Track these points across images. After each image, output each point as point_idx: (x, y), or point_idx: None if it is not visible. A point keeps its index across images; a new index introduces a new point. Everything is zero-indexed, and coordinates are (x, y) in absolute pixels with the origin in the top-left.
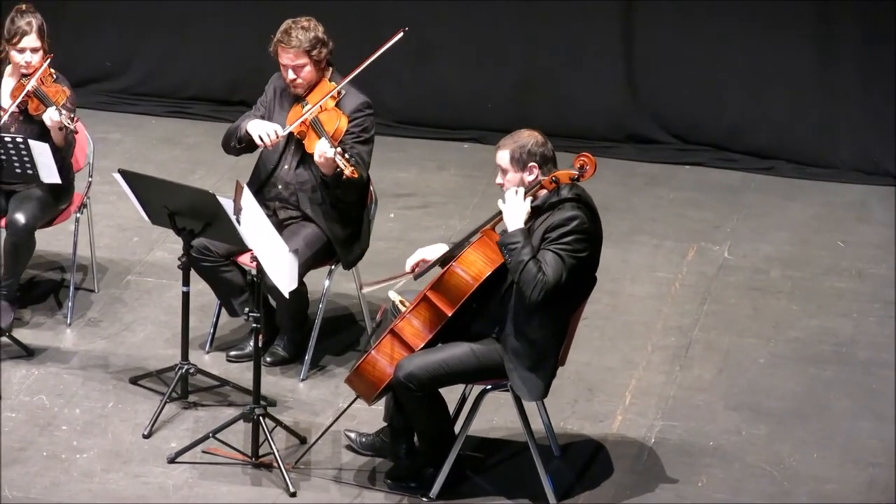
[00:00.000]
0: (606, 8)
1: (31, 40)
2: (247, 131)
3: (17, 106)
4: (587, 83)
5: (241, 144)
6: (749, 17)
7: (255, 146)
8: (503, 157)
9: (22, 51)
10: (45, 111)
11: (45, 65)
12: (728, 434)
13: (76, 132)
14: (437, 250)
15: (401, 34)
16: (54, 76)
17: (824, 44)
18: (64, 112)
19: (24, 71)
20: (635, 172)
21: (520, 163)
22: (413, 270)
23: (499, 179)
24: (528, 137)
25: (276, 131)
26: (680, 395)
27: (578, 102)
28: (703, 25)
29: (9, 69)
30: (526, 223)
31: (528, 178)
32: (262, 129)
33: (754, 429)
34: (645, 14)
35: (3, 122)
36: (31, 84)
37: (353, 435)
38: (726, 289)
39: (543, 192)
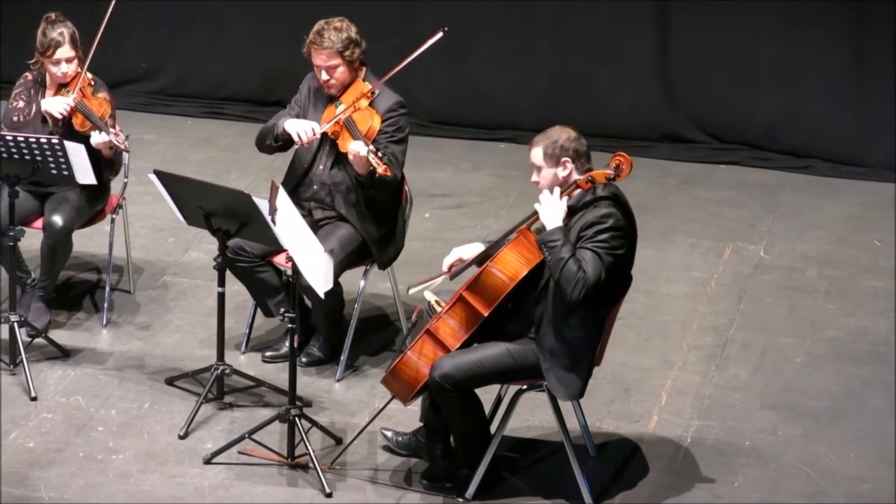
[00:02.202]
0: (641, 6)
1: (65, 51)
2: (284, 129)
3: (63, 119)
4: (622, 82)
5: (277, 143)
6: (784, 16)
7: (291, 145)
8: (537, 154)
9: (57, 62)
10: (90, 127)
11: (84, 73)
12: (764, 434)
13: (128, 150)
14: (473, 249)
15: (440, 34)
16: (93, 84)
17: (859, 42)
18: (112, 131)
19: (61, 82)
20: (671, 172)
21: (553, 158)
22: (450, 270)
23: (534, 177)
24: (561, 133)
25: (313, 129)
26: (716, 394)
27: (613, 101)
28: (739, 24)
29: (48, 80)
30: (563, 222)
31: (563, 173)
32: (299, 127)
33: (790, 428)
34: (680, 12)
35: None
36: (75, 100)
37: (389, 434)
38: (762, 288)
39: (579, 191)
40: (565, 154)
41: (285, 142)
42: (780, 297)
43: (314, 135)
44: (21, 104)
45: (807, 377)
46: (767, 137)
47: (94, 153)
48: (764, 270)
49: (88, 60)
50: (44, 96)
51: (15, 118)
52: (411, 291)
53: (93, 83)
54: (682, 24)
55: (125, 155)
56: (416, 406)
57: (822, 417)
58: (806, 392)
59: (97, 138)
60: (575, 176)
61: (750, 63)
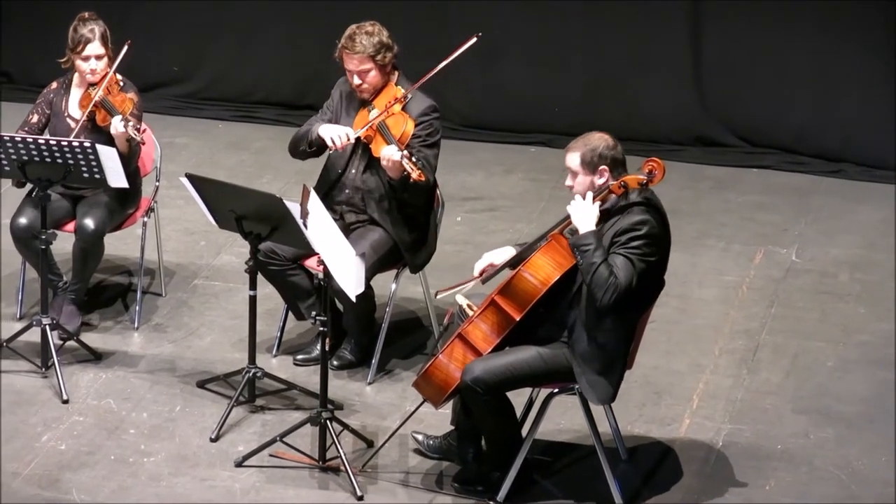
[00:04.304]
0: (674, 10)
1: (95, 48)
2: (318, 135)
3: (87, 116)
4: (654, 86)
5: (311, 149)
6: (817, 20)
7: (324, 150)
8: (573, 159)
9: (86, 59)
10: (111, 122)
11: (112, 72)
12: (796, 437)
13: (142, 143)
14: (504, 254)
15: (474, 39)
16: (121, 84)
17: (893, 46)
18: (130, 122)
19: (90, 79)
20: (703, 176)
21: (591, 166)
22: (481, 275)
23: (568, 182)
24: (599, 140)
25: (347, 134)
26: (747, 398)
27: (646, 105)
28: (772, 28)
29: (76, 78)
30: (595, 226)
31: (599, 181)
32: (333, 133)
33: (822, 432)
34: (712, 16)
35: (74, 132)
36: (98, 94)
37: (420, 437)
38: (794, 292)
39: (612, 196)
40: (603, 162)
41: (319, 147)
42: (812, 301)
43: (348, 140)
44: (35, 118)
45: (839, 381)
46: (799, 141)
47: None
48: (796, 274)
49: (118, 62)
50: (68, 100)
51: (26, 130)
52: (440, 296)
53: (121, 83)
54: (715, 29)
55: (157, 158)
56: (446, 409)
57: (854, 421)
58: (838, 396)
59: (115, 124)
60: (610, 183)
61: (782, 67)
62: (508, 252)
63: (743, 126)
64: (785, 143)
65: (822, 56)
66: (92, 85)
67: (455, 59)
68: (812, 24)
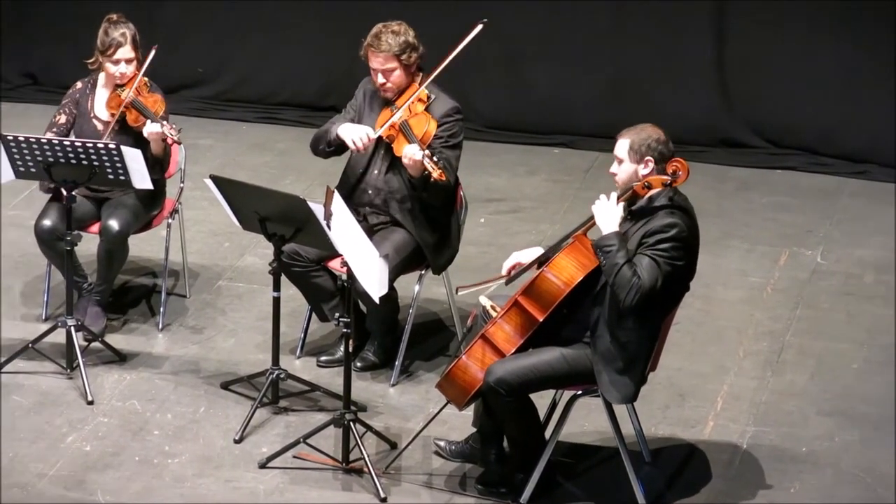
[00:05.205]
0: (698, 10)
1: (126, 51)
2: (338, 135)
3: (117, 117)
4: (678, 87)
5: (330, 148)
6: (841, 20)
7: (345, 149)
8: (622, 145)
9: (117, 62)
10: (144, 123)
11: (141, 75)
12: (821, 440)
13: (180, 143)
14: (531, 254)
15: (480, 27)
16: (149, 85)
17: None
18: (166, 124)
19: (118, 82)
20: (727, 177)
21: (638, 154)
22: (509, 274)
23: (613, 168)
24: (652, 132)
25: (367, 135)
26: (772, 400)
27: (670, 106)
28: (796, 29)
29: (102, 80)
30: (619, 227)
31: (643, 171)
32: (353, 134)
33: (847, 435)
34: (737, 17)
35: (105, 135)
36: (129, 95)
37: (442, 443)
38: (819, 294)
39: (636, 196)
40: (651, 153)
41: (339, 146)
42: (838, 302)
43: (368, 140)
44: (62, 119)
45: (864, 383)
46: (824, 142)
47: (149, 155)
48: (821, 276)
49: (146, 66)
50: (94, 101)
51: (55, 131)
52: (461, 293)
53: (148, 85)
54: (740, 30)
55: (181, 160)
56: (469, 411)
57: (880, 424)
58: (863, 398)
59: (150, 127)
60: (653, 177)
61: (807, 68)
62: (536, 252)
63: (767, 127)
64: (810, 145)
65: (847, 57)
66: (119, 86)
67: (475, 58)
68: (837, 24)
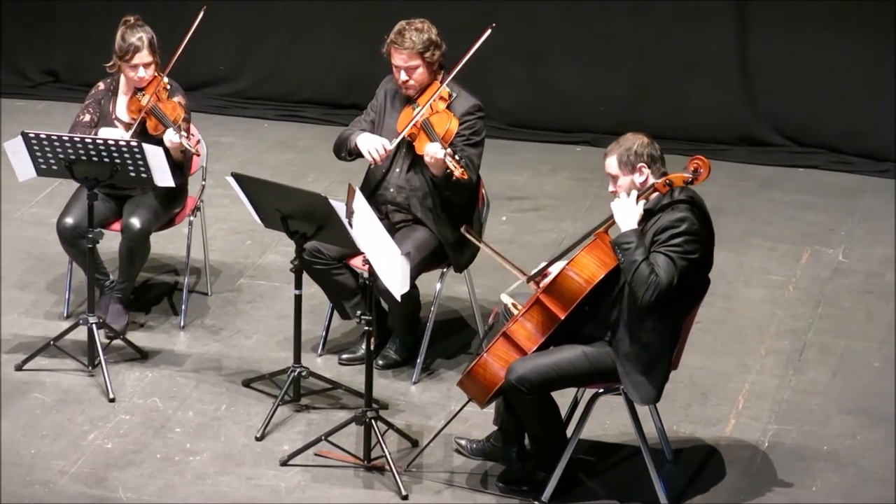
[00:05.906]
0: (721, 9)
1: (144, 56)
2: (356, 145)
3: (137, 123)
4: (701, 85)
5: (351, 156)
6: (864, 19)
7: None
8: (611, 163)
9: (135, 67)
10: (164, 130)
11: (160, 79)
12: (842, 438)
13: (197, 154)
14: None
15: (489, 32)
16: (168, 88)
17: None
18: (184, 134)
19: (138, 86)
20: (749, 175)
21: (628, 165)
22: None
23: (611, 188)
24: (633, 139)
25: (384, 146)
26: (794, 398)
27: (692, 105)
28: (818, 27)
29: (123, 82)
30: (639, 225)
31: (639, 179)
32: (370, 146)
33: (869, 433)
34: (759, 16)
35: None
36: (148, 102)
37: (463, 442)
38: (841, 292)
39: (656, 194)
40: (640, 160)
41: (359, 154)
42: (859, 301)
43: (385, 151)
44: (87, 118)
45: (886, 382)
46: (846, 141)
47: (170, 156)
48: (842, 274)
49: (169, 68)
50: (115, 104)
51: (81, 130)
52: (485, 250)
53: (168, 87)
54: (762, 28)
55: (203, 158)
56: (490, 409)
57: None
58: (885, 397)
59: (170, 136)
60: (652, 180)
61: (829, 66)
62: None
63: (789, 125)
64: (832, 143)
65: (870, 56)
66: (139, 89)
67: (494, 55)
68: (859, 23)
